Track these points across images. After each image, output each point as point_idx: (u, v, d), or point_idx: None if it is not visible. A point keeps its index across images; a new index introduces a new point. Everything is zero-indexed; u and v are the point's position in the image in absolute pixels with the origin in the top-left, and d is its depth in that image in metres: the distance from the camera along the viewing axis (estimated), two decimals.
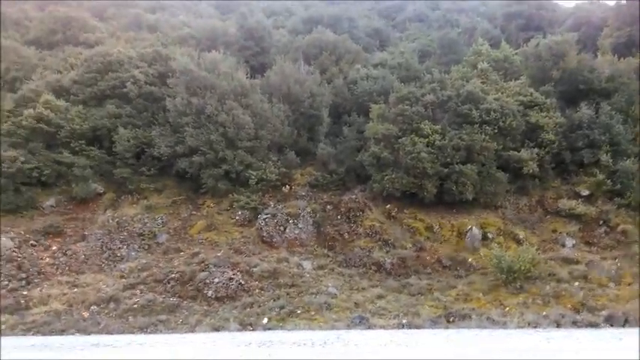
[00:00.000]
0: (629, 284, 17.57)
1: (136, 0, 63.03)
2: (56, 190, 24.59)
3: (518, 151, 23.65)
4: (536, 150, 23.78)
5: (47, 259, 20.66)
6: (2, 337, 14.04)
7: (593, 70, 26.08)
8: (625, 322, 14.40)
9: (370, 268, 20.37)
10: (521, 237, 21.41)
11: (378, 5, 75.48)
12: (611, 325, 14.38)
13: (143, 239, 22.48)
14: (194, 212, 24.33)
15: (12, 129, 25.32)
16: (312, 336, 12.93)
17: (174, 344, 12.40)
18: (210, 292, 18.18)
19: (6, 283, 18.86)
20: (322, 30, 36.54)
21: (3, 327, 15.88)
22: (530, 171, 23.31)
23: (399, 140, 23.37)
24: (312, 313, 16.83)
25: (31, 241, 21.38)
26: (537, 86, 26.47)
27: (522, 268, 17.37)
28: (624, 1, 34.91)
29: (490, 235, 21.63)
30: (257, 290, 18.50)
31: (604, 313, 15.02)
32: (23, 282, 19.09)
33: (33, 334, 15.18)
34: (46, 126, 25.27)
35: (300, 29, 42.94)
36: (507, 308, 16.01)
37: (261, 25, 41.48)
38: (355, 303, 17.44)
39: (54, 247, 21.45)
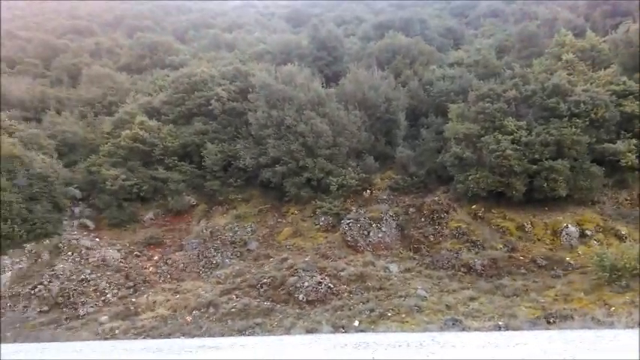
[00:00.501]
0: None
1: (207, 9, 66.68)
2: (154, 204, 26.45)
3: (614, 143, 22.20)
4: (634, 141, 22.20)
5: (150, 268, 22.27)
6: (117, 341, 15.33)
7: None
8: None
9: (459, 270, 19.98)
10: (623, 233, 20.05)
11: (449, 5, 74.13)
12: None
13: (235, 247, 23.62)
14: (280, 220, 25.18)
15: (112, 149, 27.63)
16: (406, 338, 12.94)
17: (274, 346, 12.90)
18: (301, 296, 18.68)
19: (116, 291, 20.58)
20: (394, 34, 36.46)
21: (117, 332, 17.32)
22: (629, 163, 21.77)
23: (482, 139, 22.77)
24: (403, 315, 16.76)
25: (135, 252, 23.16)
26: (630, 74, 24.75)
27: (627, 265, 16.25)
28: None
29: (588, 233, 20.47)
30: (346, 294, 18.76)
31: None
32: (131, 290, 20.74)
33: (143, 338, 16.38)
34: (141, 145, 27.31)
35: (371, 35, 43.22)
36: (613, 308, 15.02)
37: (333, 35, 42.10)
38: (446, 305, 17.16)
39: (156, 257, 23.07)
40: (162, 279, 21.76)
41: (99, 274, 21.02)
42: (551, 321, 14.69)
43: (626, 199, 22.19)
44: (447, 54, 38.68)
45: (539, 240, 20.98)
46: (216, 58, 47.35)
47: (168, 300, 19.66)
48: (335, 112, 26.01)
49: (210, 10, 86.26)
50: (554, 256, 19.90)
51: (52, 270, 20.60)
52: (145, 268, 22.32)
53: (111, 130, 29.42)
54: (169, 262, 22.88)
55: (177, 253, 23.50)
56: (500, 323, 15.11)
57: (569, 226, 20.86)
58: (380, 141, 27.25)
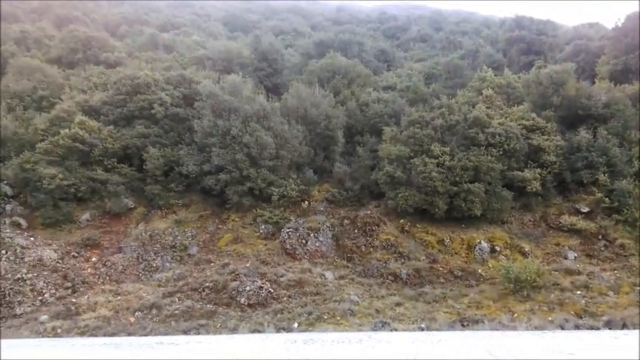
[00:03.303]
0: (627, 293, 19.29)
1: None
2: (91, 205, 26.32)
3: (522, 171, 25.54)
4: (538, 170, 25.65)
5: (89, 269, 22.34)
6: (66, 338, 15.64)
7: (591, 97, 28.05)
8: (623, 326, 16.07)
9: (387, 278, 22.07)
10: (526, 250, 23.23)
11: (382, 26, 78.45)
12: (610, 329, 16.06)
13: (175, 251, 24.21)
14: (220, 226, 26.09)
15: (49, 148, 27.09)
16: (346, 336, 14.43)
17: (229, 343, 14.00)
18: (242, 300, 19.80)
19: (54, 291, 20.54)
20: (334, 55, 38.62)
21: (59, 330, 17.53)
22: (534, 189, 25.16)
23: (411, 161, 25.17)
24: (338, 318, 18.42)
25: (73, 253, 23.08)
26: (539, 111, 28.44)
27: (528, 278, 19.08)
28: (620, 25, 37.20)
29: (498, 248, 23.44)
30: (285, 298, 20.13)
31: (604, 318, 16.70)
32: (69, 290, 20.74)
33: (88, 337, 16.76)
34: (81, 145, 27.06)
35: (311, 52, 45.23)
36: (516, 314, 17.69)
37: (274, 48, 43.69)
38: (376, 309, 19.06)
39: (94, 259, 23.14)
40: (101, 280, 21.93)
41: (35, 274, 20.85)
42: (465, 324, 17.01)
43: (530, 221, 25.56)
44: (381, 76, 41.50)
45: (456, 253, 23.62)
46: (155, 59, 47.14)
47: (109, 301, 19.96)
48: (279, 125, 27.41)
49: (143, 6, 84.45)
50: (469, 268, 22.60)
51: None
52: (83, 269, 22.35)
53: (47, 127, 28.78)
54: (108, 264, 23.04)
55: (115, 256, 23.68)
56: (422, 325, 17.22)
57: (482, 242, 23.74)
58: (319, 155, 29.05)
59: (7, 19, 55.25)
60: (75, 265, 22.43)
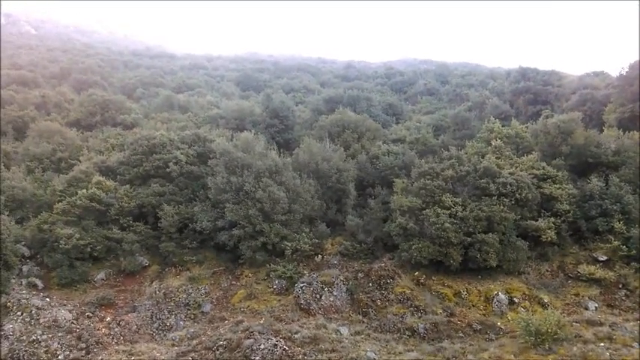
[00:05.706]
0: None
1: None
2: (106, 264, 26.58)
3: (536, 221, 25.38)
4: (552, 219, 25.46)
5: (103, 329, 22.21)
6: None
7: (600, 145, 28.23)
8: None
9: (404, 333, 21.60)
10: (545, 301, 22.70)
11: (389, 81, 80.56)
12: None
13: (189, 309, 24.11)
14: (233, 282, 26.02)
15: (66, 208, 27.67)
16: None
17: None
18: (257, 358, 19.43)
19: (67, 353, 20.38)
20: (343, 110, 39.63)
21: None
22: (549, 239, 24.89)
23: (423, 212, 25.17)
24: None
25: (87, 313, 23.05)
26: (548, 160, 28.60)
27: (549, 330, 18.54)
28: (625, 74, 37.86)
29: (516, 300, 22.95)
30: (300, 356, 19.68)
31: None
32: (83, 352, 20.57)
33: None
34: (97, 204, 27.66)
35: (321, 108, 46.43)
36: None
37: (285, 105, 44.97)
38: None
39: (108, 318, 23.05)
40: (115, 340, 21.75)
41: (50, 335, 20.81)
42: None
43: (547, 270, 25.12)
44: (390, 129, 42.29)
45: (474, 306, 23.15)
46: (170, 119, 48.75)
47: None
48: (291, 180, 27.82)
49: (158, 69, 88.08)
50: (487, 321, 22.07)
51: (1, 330, 20.20)
52: (98, 329, 22.23)
53: (64, 187, 29.52)
54: (122, 323, 22.92)
55: (129, 315, 23.60)
56: None
57: (500, 293, 23.29)
58: (331, 209, 29.24)
59: (28, 84, 57.69)
60: (89, 325, 22.35)
